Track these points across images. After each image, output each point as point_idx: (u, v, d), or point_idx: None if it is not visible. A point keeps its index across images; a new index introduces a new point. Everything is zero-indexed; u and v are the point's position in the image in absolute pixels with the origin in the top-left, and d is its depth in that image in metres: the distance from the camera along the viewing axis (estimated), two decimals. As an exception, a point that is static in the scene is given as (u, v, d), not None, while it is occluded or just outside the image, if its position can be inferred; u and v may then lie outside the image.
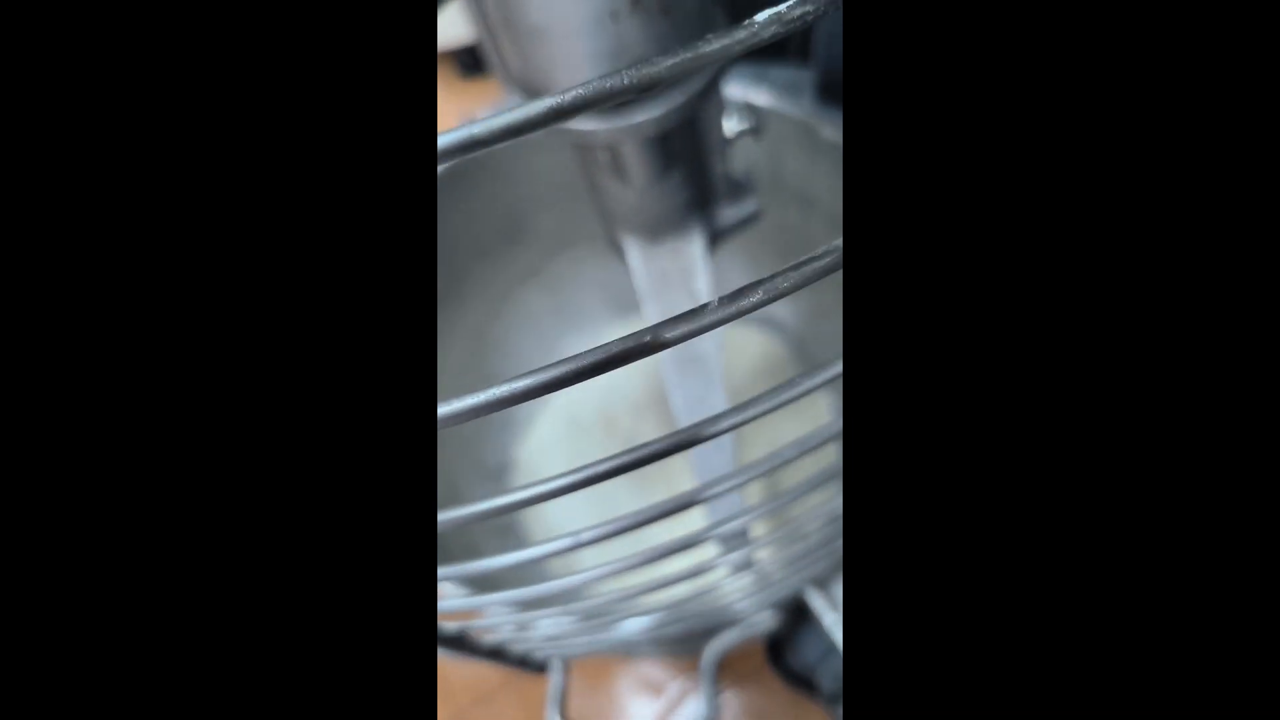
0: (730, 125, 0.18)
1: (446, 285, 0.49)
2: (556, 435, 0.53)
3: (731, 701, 0.39)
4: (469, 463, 0.51)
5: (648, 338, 0.11)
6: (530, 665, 0.24)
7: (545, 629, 0.20)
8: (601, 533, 0.15)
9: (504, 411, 0.51)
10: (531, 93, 0.17)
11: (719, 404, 0.22)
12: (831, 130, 0.40)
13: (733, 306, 0.11)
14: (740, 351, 0.52)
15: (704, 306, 0.10)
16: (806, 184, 0.43)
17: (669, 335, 0.10)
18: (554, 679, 0.26)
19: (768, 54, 0.57)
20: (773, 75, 0.52)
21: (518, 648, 0.24)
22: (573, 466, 0.48)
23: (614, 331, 0.55)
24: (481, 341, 0.53)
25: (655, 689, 0.41)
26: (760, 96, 0.43)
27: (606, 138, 0.17)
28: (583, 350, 0.11)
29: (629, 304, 0.55)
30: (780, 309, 0.53)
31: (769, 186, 0.45)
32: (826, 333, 0.50)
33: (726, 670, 0.40)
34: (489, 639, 0.22)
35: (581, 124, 0.16)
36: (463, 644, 0.21)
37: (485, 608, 0.21)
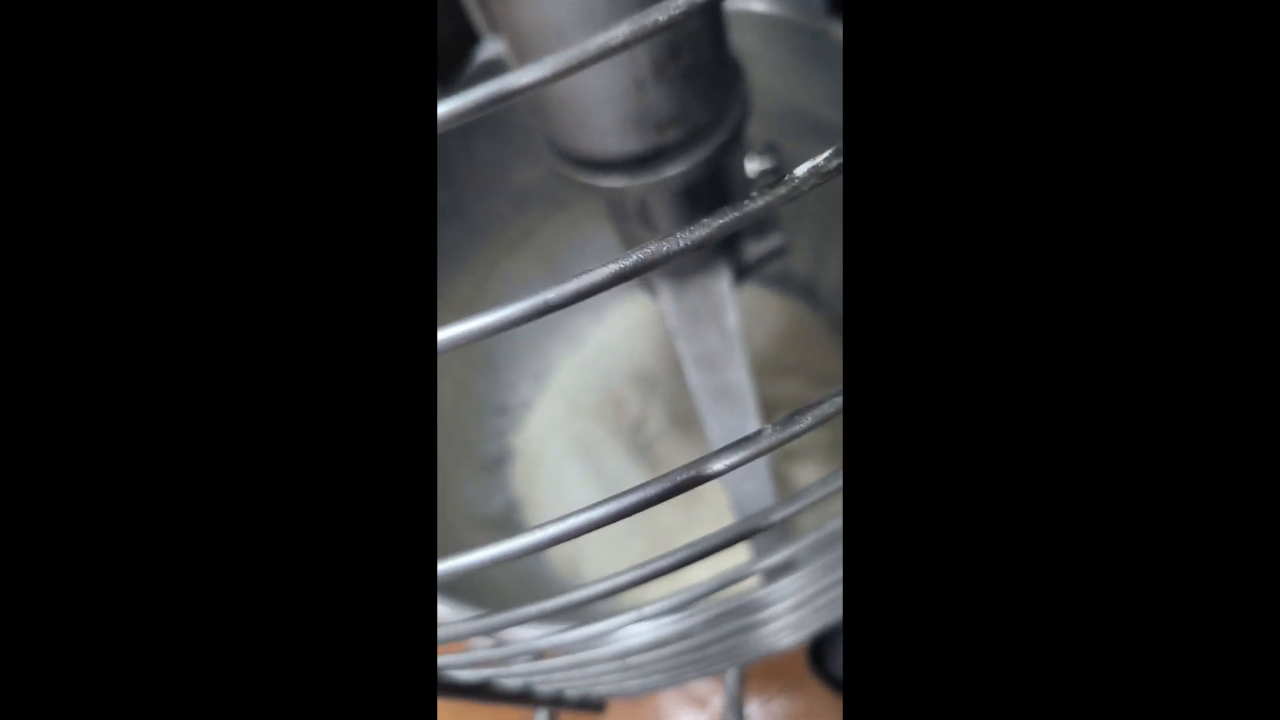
0: (752, 166, 0.21)
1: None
2: (558, 420, 0.55)
3: (777, 708, 0.44)
4: (461, 454, 0.53)
5: (694, 471, 0.14)
6: (564, 704, 0.27)
7: (575, 672, 0.24)
8: (643, 574, 0.16)
9: (499, 396, 0.53)
10: (558, 151, 0.20)
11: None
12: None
13: (785, 432, 0.14)
14: (757, 318, 0.55)
15: (758, 433, 0.13)
16: (819, 105, 0.45)
17: (715, 468, 0.14)
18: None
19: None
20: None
21: (544, 689, 0.27)
22: (578, 453, 0.51)
23: (615, 306, 0.58)
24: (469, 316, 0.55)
25: (699, 702, 0.45)
26: (760, 3, 0.44)
27: (636, 193, 0.19)
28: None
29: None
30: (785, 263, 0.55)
31: (779, 117, 0.46)
32: (835, 277, 0.52)
33: (772, 676, 0.44)
34: (511, 683, 0.25)
35: (612, 183, 0.19)
36: (487, 692, 0.24)
37: (508, 650, 0.23)
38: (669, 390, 0.54)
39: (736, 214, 0.13)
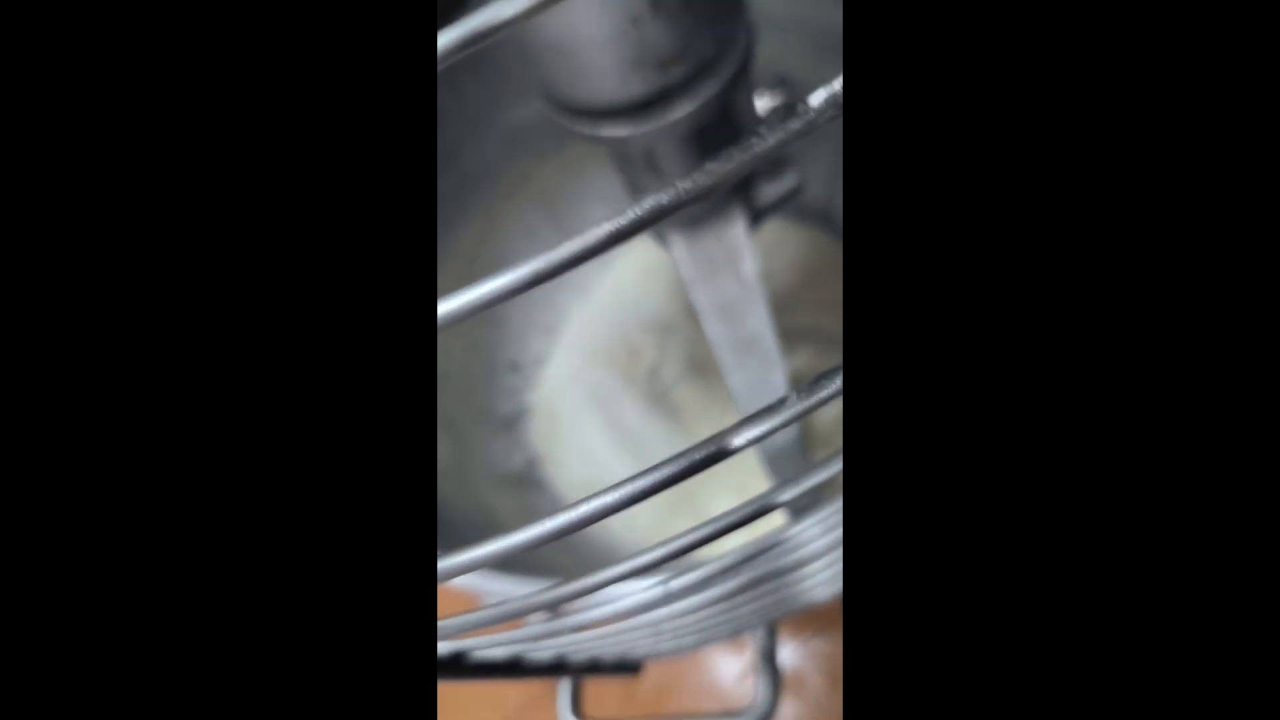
0: (762, 103, 0.20)
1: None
2: (572, 373, 0.55)
3: (815, 648, 0.44)
4: (477, 414, 0.53)
5: (716, 446, 0.13)
6: (600, 669, 0.27)
7: (611, 640, 0.24)
8: (686, 542, 0.16)
9: (511, 353, 0.53)
10: (554, 101, 0.19)
11: (779, 384, 0.25)
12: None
13: (813, 398, 0.13)
14: (774, 249, 0.54)
15: (780, 401, 0.13)
16: (829, 13, 0.43)
17: (737, 441, 0.13)
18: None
19: None
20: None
21: (577, 658, 0.27)
22: (595, 405, 0.51)
23: (624, 252, 0.57)
24: (472, 270, 0.54)
25: (739, 645, 0.46)
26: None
27: (642, 140, 0.18)
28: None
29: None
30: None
31: (784, 33, 0.44)
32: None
33: (810, 617, 0.45)
34: (542, 655, 0.25)
35: (614, 131, 0.18)
36: (520, 669, 0.24)
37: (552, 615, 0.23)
38: (684, 335, 0.53)
39: (748, 155, 0.12)
